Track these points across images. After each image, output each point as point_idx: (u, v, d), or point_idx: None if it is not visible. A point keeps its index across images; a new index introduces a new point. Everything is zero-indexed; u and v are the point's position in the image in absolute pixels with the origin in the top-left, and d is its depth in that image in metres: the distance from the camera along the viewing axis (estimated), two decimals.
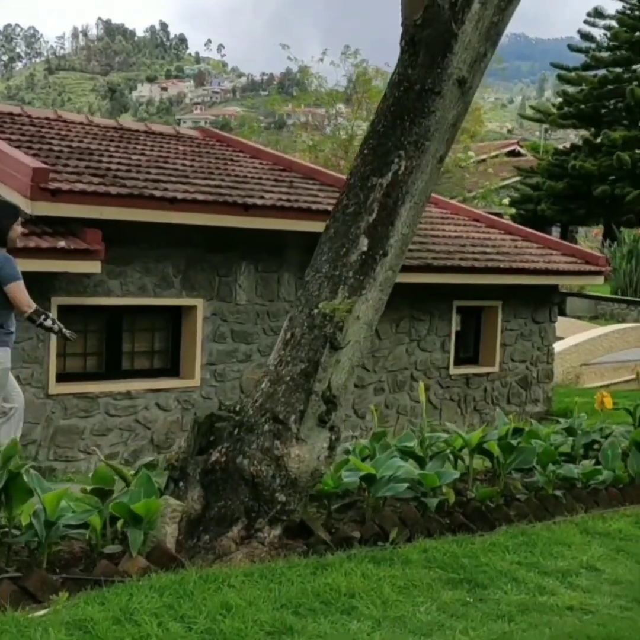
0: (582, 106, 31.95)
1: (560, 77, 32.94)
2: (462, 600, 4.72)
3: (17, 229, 6.36)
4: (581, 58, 33.39)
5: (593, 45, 33.00)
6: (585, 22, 33.18)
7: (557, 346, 17.00)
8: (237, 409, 5.38)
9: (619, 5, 32.37)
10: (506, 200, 31.11)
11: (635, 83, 30.77)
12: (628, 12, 32.03)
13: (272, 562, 5.01)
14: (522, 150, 41.56)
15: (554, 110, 33.44)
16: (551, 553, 5.64)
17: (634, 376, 17.91)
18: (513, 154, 40.30)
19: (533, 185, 32.31)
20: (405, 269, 11.59)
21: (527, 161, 36.73)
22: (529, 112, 37.19)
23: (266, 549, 5.20)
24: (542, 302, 13.25)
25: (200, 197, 9.50)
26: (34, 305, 6.23)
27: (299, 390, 5.20)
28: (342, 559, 5.04)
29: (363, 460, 6.33)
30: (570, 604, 4.82)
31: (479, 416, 12.71)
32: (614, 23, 32.65)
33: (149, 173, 9.93)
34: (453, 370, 12.39)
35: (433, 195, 15.89)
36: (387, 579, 4.84)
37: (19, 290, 6.12)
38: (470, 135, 29.92)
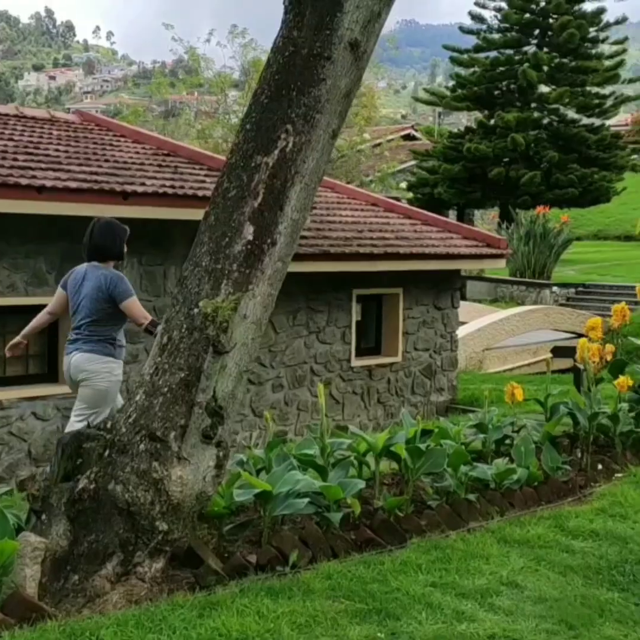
0: (475, 88, 31.83)
1: (452, 59, 32.76)
2: (372, 636, 4.13)
3: (125, 248, 6.60)
4: (473, 41, 33.29)
5: (484, 27, 32.94)
6: (476, 3, 33.03)
7: (459, 331, 16.67)
8: (108, 426, 4.66)
9: None
10: (403, 185, 30.79)
11: (526, 64, 30.79)
12: None
13: (154, 602, 4.33)
14: (417, 134, 41.40)
15: (448, 93, 33.30)
16: (468, 569, 5.10)
17: (536, 359, 17.74)
18: (408, 137, 40.09)
19: (429, 168, 32.09)
20: (300, 257, 11.02)
21: (422, 145, 36.54)
22: (423, 95, 37.00)
23: (147, 585, 4.52)
24: (444, 287, 12.82)
25: (73, 184, 8.67)
26: (149, 317, 6.44)
27: (178, 403, 4.53)
28: (235, 594, 4.40)
29: (258, 473, 5.70)
30: (492, 632, 4.29)
31: (383, 408, 12.22)
32: (503, 5, 32.60)
33: (16, 159, 9.06)
34: (355, 362, 11.85)
35: (328, 179, 15.31)
36: (286, 615, 4.22)
37: (135, 306, 6.35)
38: (364, 118, 29.55)
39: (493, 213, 27.68)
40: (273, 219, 4.65)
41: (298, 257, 11.15)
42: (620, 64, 31.61)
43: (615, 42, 32.05)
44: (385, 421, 12.24)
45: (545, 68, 31.47)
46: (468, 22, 34.66)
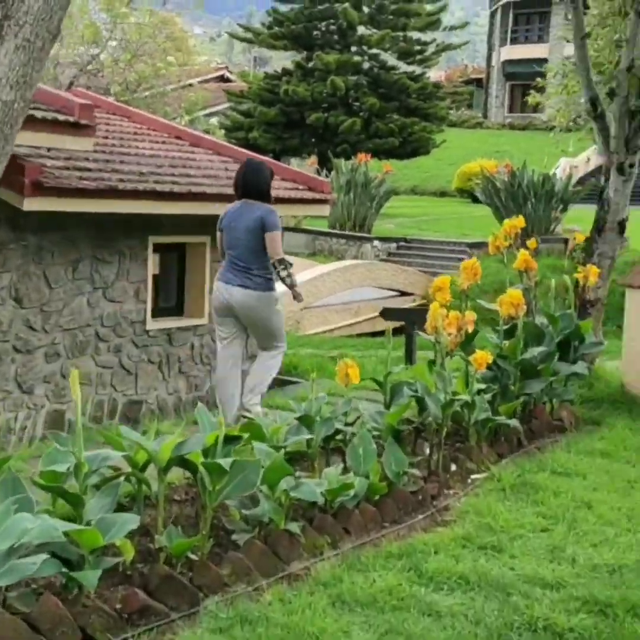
0: (294, 26, 29.88)
1: None
2: None
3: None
4: None
5: None
6: None
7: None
8: None
9: None
10: (214, 120, 28.54)
11: (347, 4, 29.13)
12: None
13: None
14: (232, 77, 39.21)
15: (265, 30, 31.19)
16: None
17: (358, 319, 16.27)
18: (223, 80, 37.85)
19: (244, 111, 30.01)
20: (82, 193, 8.88)
21: (237, 87, 34.41)
22: (238, 32, 34.63)
23: None
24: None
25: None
26: (282, 255, 6.65)
27: None
28: None
29: None
30: None
31: (185, 380, 10.28)
32: None
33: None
34: (151, 325, 9.80)
35: (124, 106, 13.09)
36: None
37: (276, 240, 6.57)
38: (179, 64, 27.34)
39: (311, 160, 26.00)
40: None
41: (78, 193, 8.99)
42: (443, 9, 30.55)
43: None
44: (189, 395, 10.33)
45: (366, 9, 29.95)
46: None
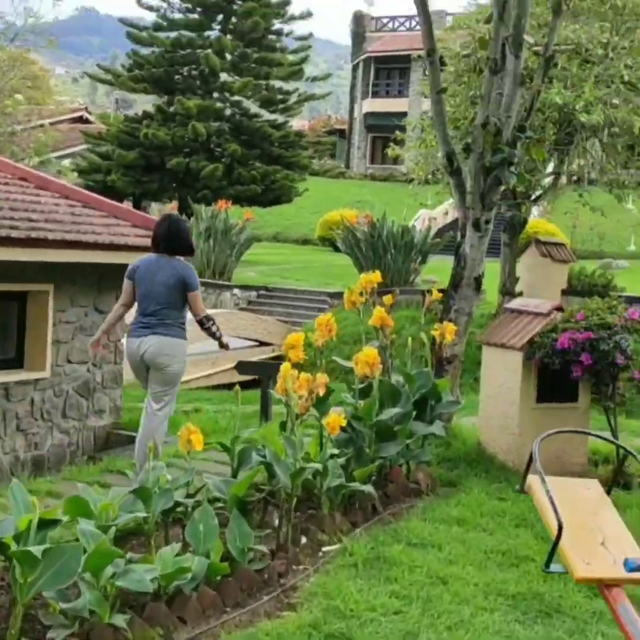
0: (154, 69, 29.38)
1: (130, 36, 30.09)
2: None
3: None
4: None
5: (165, 5, 30.58)
6: None
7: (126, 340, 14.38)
8: None
9: None
10: (67, 162, 27.53)
11: (209, 49, 28.89)
12: None
13: None
14: (91, 118, 38.33)
15: (125, 72, 30.57)
16: None
17: (216, 370, 15.78)
18: (81, 120, 36.94)
19: (103, 154, 29.22)
20: None
21: (97, 128, 33.57)
22: (99, 73, 33.87)
23: None
24: (108, 285, 10.37)
25: None
26: (206, 311, 7.00)
27: None
28: None
29: None
30: None
31: (24, 438, 9.57)
32: None
33: None
34: None
35: None
36: None
37: (199, 298, 6.92)
38: (36, 103, 26.35)
39: (171, 205, 25.40)
40: None
41: None
42: (305, 59, 30.69)
43: (300, 38, 31.12)
44: (27, 454, 9.61)
45: (229, 56, 29.78)
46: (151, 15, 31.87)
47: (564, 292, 16.98)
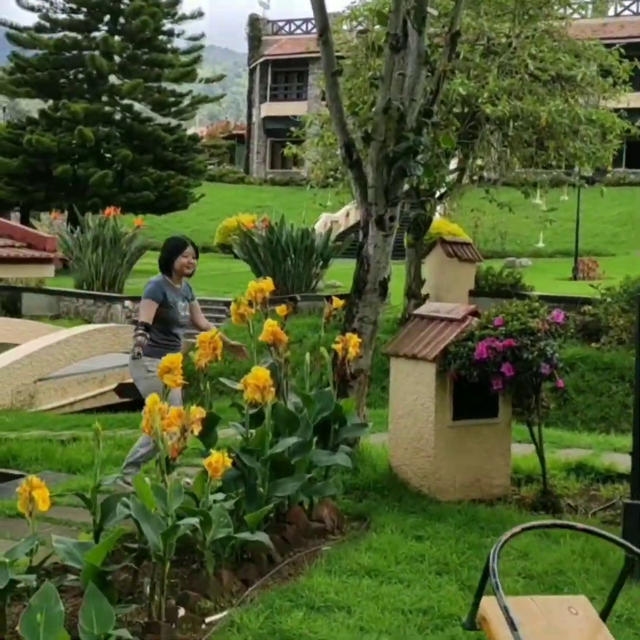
0: (38, 73, 27.87)
1: (10, 37, 28.48)
2: None
3: (182, 260, 7.12)
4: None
5: (48, 4, 29.03)
6: None
7: (3, 358, 13.05)
8: None
9: None
10: None
11: (96, 51, 27.50)
12: None
13: None
14: None
15: (6, 76, 28.91)
16: None
17: (103, 389, 14.56)
18: None
19: None
20: None
21: None
22: None
23: None
24: None
25: None
26: (144, 321, 6.90)
27: None
28: None
29: None
30: None
31: None
32: None
33: None
34: None
35: None
36: None
37: (143, 305, 7.05)
38: None
39: (53, 214, 23.91)
40: None
41: None
42: (197, 60, 29.56)
43: (192, 38, 29.97)
44: None
45: (118, 58, 28.45)
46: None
47: (472, 293, 16.35)
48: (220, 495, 5.03)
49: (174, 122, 29.89)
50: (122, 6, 28.77)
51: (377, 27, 8.59)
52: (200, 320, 7.46)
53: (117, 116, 28.94)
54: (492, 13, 13.71)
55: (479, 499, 6.95)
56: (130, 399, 10.94)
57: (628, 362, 13.40)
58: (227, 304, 18.87)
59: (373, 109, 7.13)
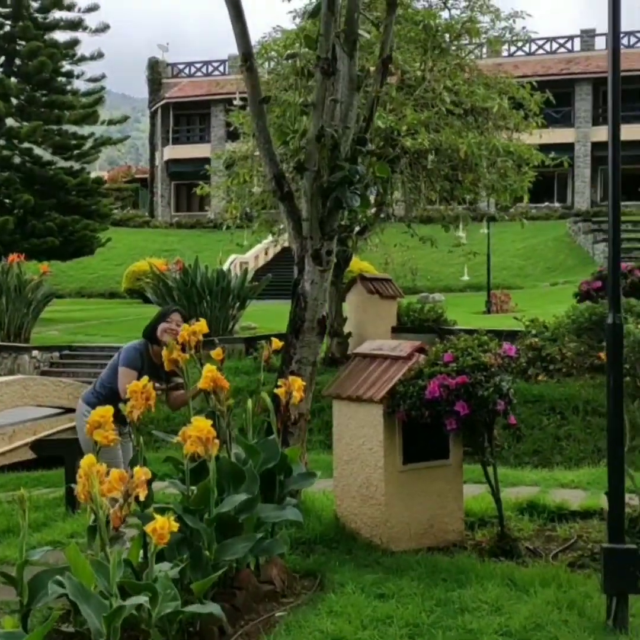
0: None
1: None
2: None
3: (163, 325, 6.47)
4: None
5: None
6: None
7: None
8: None
9: None
10: None
11: None
12: None
13: None
14: None
15: None
16: None
17: (13, 445, 13.66)
18: None
19: None
20: None
21: None
22: None
23: None
24: None
25: None
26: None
27: None
28: None
29: None
30: None
31: None
32: None
33: None
34: None
35: None
36: None
37: (122, 375, 6.34)
38: None
39: None
40: None
41: None
42: (99, 101, 28.89)
43: (92, 79, 29.33)
44: None
45: (15, 100, 27.59)
46: None
47: (395, 329, 16.08)
48: (165, 565, 4.47)
49: (76, 165, 29.09)
50: (17, 47, 27.96)
51: (304, 49, 8.24)
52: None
53: (16, 160, 27.99)
54: (404, 47, 13.58)
55: (433, 546, 6.53)
56: (47, 456, 10.18)
57: (557, 393, 13.26)
58: None
59: (305, 137, 6.73)
